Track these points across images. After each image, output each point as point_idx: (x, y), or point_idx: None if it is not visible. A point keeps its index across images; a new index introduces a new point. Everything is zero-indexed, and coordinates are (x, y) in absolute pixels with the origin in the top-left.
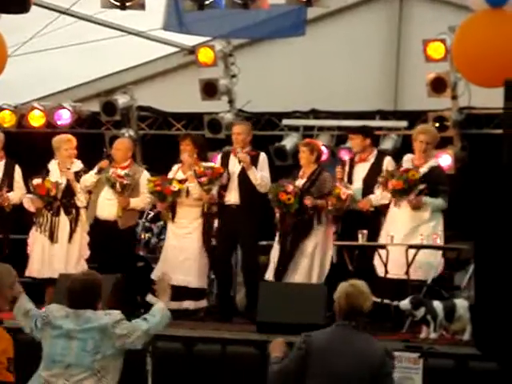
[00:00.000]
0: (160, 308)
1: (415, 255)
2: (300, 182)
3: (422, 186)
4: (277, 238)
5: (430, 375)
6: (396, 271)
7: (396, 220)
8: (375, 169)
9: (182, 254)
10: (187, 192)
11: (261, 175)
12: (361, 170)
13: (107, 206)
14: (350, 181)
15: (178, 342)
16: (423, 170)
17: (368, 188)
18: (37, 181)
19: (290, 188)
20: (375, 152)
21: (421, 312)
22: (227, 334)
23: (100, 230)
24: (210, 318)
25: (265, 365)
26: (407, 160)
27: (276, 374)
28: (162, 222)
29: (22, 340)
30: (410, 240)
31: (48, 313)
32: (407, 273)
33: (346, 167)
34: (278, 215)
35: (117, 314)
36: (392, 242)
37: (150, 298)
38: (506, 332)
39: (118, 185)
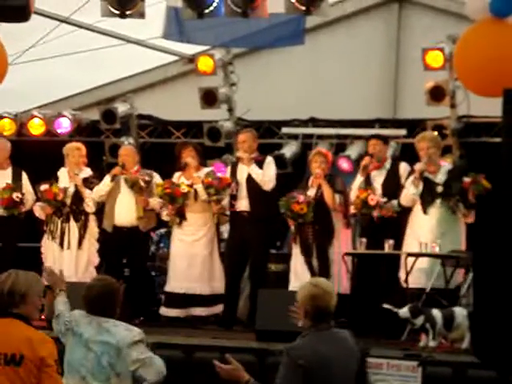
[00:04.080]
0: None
1: (414, 263)
2: (312, 192)
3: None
4: (295, 250)
5: (429, 383)
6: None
7: (423, 226)
8: (392, 175)
9: (190, 260)
10: (195, 196)
11: (262, 172)
12: (378, 177)
13: (124, 212)
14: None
15: (177, 349)
16: (440, 176)
17: (387, 194)
18: (44, 186)
19: (302, 198)
20: (389, 159)
21: (420, 320)
22: (226, 341)
23: (118, 237)
24: (210, 326)
25: (264, 373)
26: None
27: None
28: (161, 231)
29: None
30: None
31: (71, 318)
32: (406, 281)
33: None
34: (292, 227)
35: (137, 333)
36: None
37: None
38: (505, 340)
39: (140, 182)
